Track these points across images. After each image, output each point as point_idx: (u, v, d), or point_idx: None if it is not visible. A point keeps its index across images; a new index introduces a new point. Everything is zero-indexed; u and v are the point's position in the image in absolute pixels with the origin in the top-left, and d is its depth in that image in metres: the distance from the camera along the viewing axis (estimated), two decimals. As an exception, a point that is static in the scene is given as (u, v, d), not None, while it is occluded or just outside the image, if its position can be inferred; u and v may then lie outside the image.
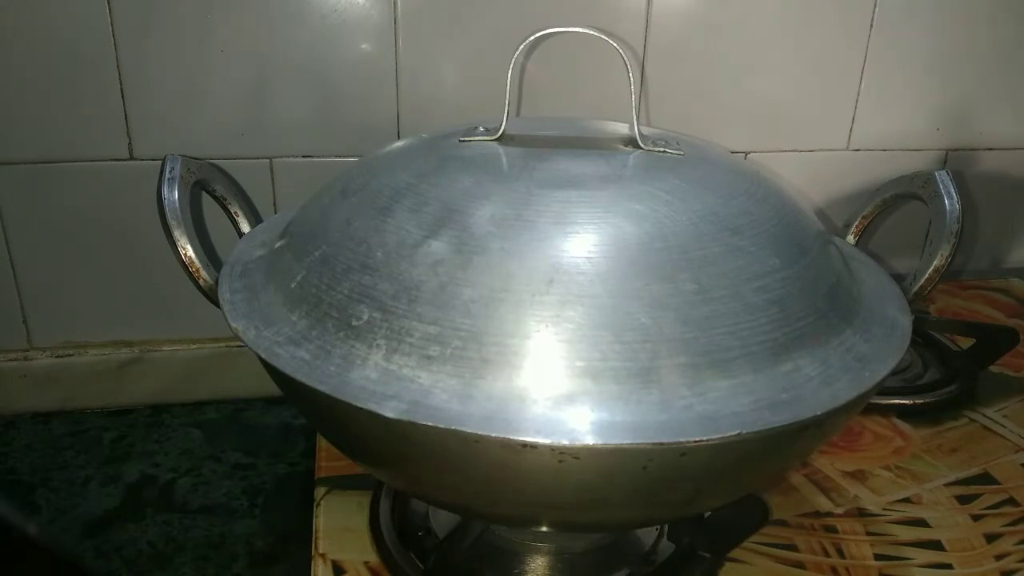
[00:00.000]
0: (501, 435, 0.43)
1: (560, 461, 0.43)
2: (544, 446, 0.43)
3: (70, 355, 0.88)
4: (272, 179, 0.86)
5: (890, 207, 0.66)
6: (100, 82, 0.79)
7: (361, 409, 0.45)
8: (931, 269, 0.59)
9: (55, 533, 0.73)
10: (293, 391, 0.50)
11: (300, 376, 0.47)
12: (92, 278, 0.86)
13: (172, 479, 0.80)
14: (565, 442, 0.43)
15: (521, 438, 0.43)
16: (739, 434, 0.44)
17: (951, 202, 0.59)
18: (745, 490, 0.53)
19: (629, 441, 0.43)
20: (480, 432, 0.43)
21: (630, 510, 0.49)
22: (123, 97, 0.80)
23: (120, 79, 0.79)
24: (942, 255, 0.58)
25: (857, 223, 0.67)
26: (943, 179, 0.60)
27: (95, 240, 0.84)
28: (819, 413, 0.46)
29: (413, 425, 0.44)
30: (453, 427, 0.43)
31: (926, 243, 0.60)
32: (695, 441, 0.43)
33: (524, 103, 0.88)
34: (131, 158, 0.82)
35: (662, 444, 0.43)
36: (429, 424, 0.44)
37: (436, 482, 0.50)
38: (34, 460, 0.82)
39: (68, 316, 0.87)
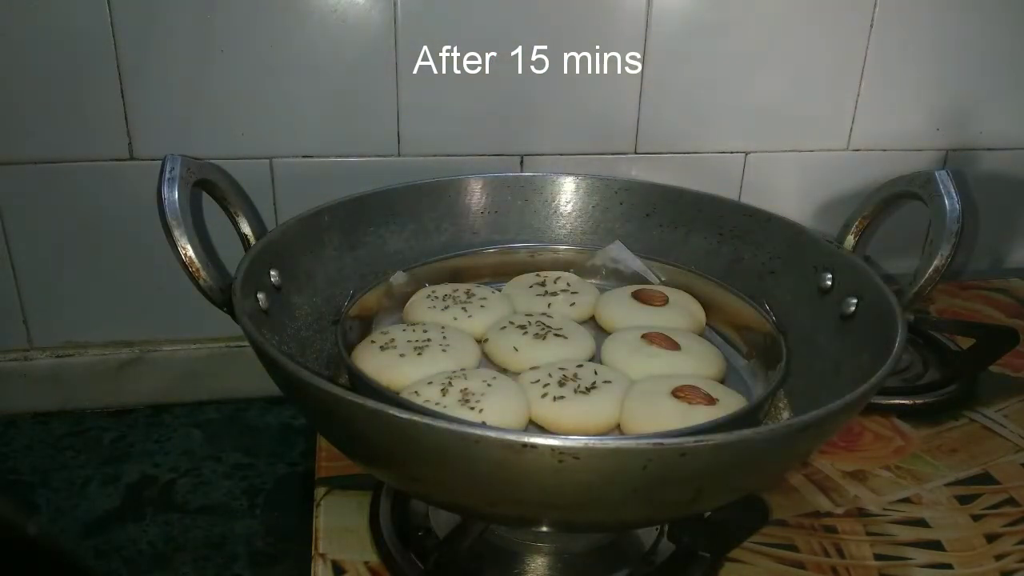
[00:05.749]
0: (501, 435, 0.43)
1: (560, 461, 0.43)
2: (544, 446, 0.43)
3: (70, 355, 0.88)
4: (272, 179, 0.86)
5: (890, 207, 0.66)
6: (100, 82, 0.79)
7: (364, 407, 0.45)
8: (931, 269, 0.59)
9: (55, 533, 0.73)
10: (296, 391, 0.50)
11: (304, 375, 0.47)
12: (92, 278, 0.86)
13: (172, 479, 0.80)
14: (565, 442, 0.43)
15: (521, 438, 0.43)
16: (739, 434, 0.44)
17: (951, 202, 0.59)
18: (746, 490, 0.53)
19: (629, 441, 0.43)
20: (480, 432, 0.43)
21: (631, 510, 0.49)
22: (123, 97, 0.80)
23: (120, 79, 0.79)
24: (942, 255, 0.59)
25: (857, 223, 0.67)
26: (943, 179, 0.60)
27: (95, 240, 0.84)
28: (809, 418, 0.46)
29: (414, 424, 0.44)
30: (454, 427, 0.43)
31: (926, 243, 0.60)
32: (695, 441, 0.43)
33: (532, 108, 0.89)
34: (131, 158, 0.82)
35: (662, 444, 0.43)
36: (430, 423, 0.44)
37: (436, 482, 0.50)
38: (34, 460, 0.82)
39: (68, 316, 0.87)
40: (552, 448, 0.43)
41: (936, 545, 0.65)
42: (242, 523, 0.76)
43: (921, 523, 0.67)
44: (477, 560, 0.62)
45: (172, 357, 0.90)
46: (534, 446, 0.43)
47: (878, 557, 0.64)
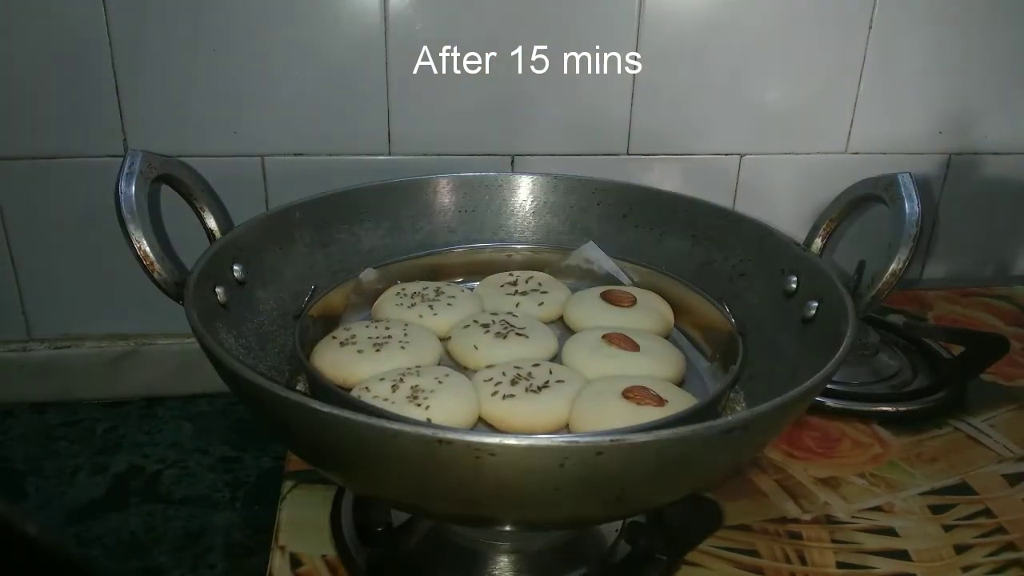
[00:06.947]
0: (417, 430, 0.43)
1: (477, 457, 0.43)
2: (460, 442, 0.43)
3: (67, 347, 0.90)
4: (264, 176, 0.87)
5: (857, 209, 0.65)
6: (96, 81, 0.81)
7: (286, 399, 0.46)
8: (888, 273, 0.58)
9: (40, 521, 0.75)
10: (229, 379, 0.51)
11: (230, 363, 0.48)
12: (90, 272, 0.88)
13: (159, 470, 0.82)
14: (481, 438, 0.43)
15: (437, 434, 0.43)
16: (656, 434, 0.43)
17: (911, 205, 0.58)
18: (682, 491, 0.52)
19: (543, 439, 0.44)
20: (397, 427, 0.43)
21: (557, 508, 0.48)
22: (118, 95, 0.82)
23: (115, 78, 0.81)
24: (900, 259, 0.57)
25: (824, 226, 0.66)
26: (905, 182, 0.59)
27: (93, 235, 0.86)
28: (734, 420, 0.45)
29: (334, 416, 0.44)
30: (372, 421, 0.44)
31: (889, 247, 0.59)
32: (610, 440, 0.43)
33: (524, 108, 0.89)
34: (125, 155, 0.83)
35: (576, 443, 0.43)
36: (348, 417, 0.44)
37: (365, 477, 0.51)
38: (28, 449, 0.84)
39: (66, 309, 0.89)
40: (468, 444, 0.43)
41: (902, 555, 0.64)
42: (222, 515, 0.77)
43: (890, 532, 0.66)
44: (436, 559, 0.62)
45: (166, 351, 0.91)
46: (449, 442, 0.43)
47: (840, 565, 0.63)
